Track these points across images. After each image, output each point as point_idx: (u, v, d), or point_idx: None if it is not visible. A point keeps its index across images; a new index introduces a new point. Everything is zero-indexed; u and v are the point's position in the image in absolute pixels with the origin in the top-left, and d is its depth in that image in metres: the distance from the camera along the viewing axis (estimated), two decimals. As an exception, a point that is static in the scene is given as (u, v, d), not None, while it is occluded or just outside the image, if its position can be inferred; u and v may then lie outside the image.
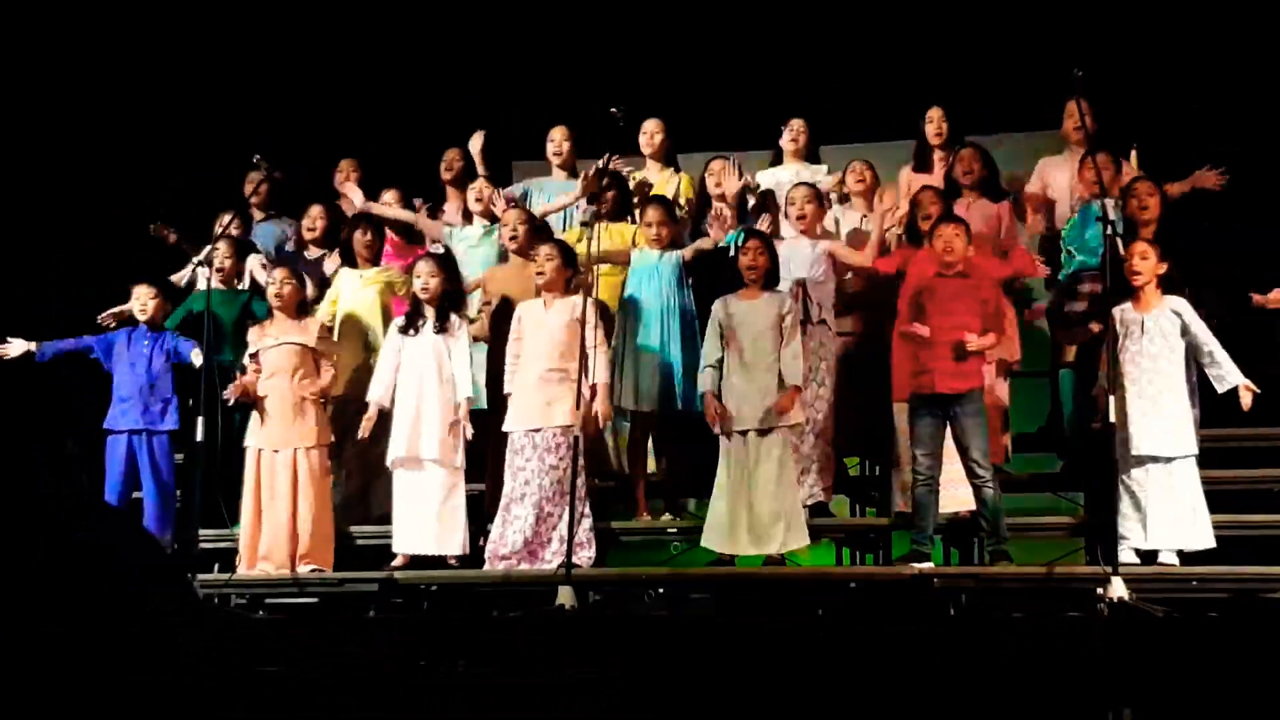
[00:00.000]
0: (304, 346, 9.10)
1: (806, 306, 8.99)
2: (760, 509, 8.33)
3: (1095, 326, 8.44)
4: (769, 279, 8.65)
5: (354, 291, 9.67)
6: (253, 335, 9.15)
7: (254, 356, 9.06)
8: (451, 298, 9.04)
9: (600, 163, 9.44)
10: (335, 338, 9.45)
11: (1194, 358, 8.33)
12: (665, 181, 10.00)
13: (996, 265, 8.70)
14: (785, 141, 10.08)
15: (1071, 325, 8.90)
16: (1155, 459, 8.13)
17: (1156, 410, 8.15)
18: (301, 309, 9.21)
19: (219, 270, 9.56)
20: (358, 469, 9.37)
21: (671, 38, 11.65)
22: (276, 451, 8.96)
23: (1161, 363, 8.23)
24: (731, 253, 8.75)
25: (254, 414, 9.03)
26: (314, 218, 10.30)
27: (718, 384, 8.51)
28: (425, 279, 8.98)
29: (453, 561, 8.81)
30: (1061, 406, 9.25)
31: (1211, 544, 8.06)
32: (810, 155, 10.07)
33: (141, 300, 9.42)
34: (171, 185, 11.20)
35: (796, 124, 10.04)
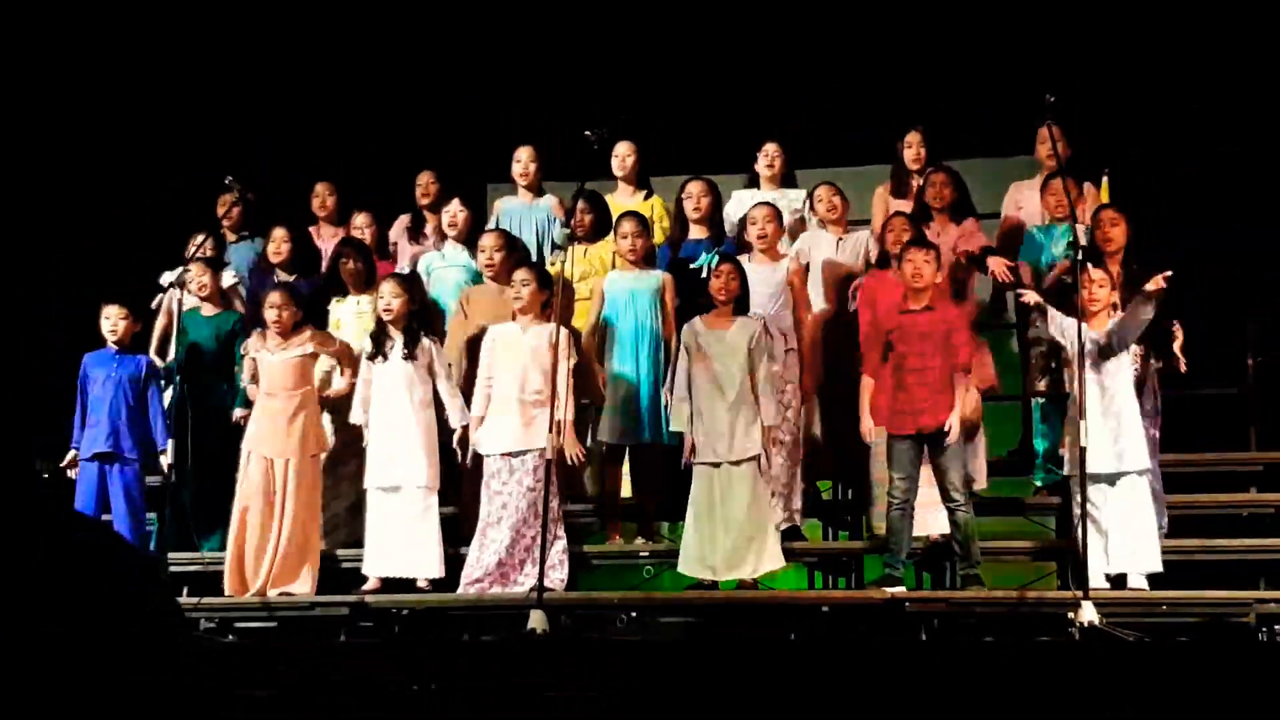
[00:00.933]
0: (302, 357, 9.11)
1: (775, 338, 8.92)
2: (733, 533, 8.33)
3: (1029, 297, 8.48)
4: (739, 305, 8.62)
5: (352, 320, 9.62)
6: (252, 344, 9.14)
7: (254, 378, 9.08)
8: (419, 318, 9.03)
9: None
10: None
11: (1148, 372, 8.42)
12: (637, 205, 9.93)
13: (957, 312, 8.61)
14: (760, 166, 10.02)
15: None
16: (1109, 477, 8.11)
17: (1110, 428, 8.14)
18: (297, 330, 9.17)
19: (200, 291, 9.57)
20: (347, 491, 9.35)
21: (645, 58, 11.67)
22: (270, 460, 8.93)
23: (1110, 380, 8.21)
24: (705, 274, 8.70)
25: (253, 419, 9.02)
26: (278, 241, 10.23)
27: (688, 418, 8.50)
28: (388, 299, 8.96)
29: (425, 585, 8.77)
30: (1034, 431, 9.30)
31: (1158, 568, 8.07)
32: (786, 180, 10.04)
33: (112, 321, 9.36)
34: (172, 185, 11.21)
35: (771, 149, 9.99)
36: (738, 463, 8.37)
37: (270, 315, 9.11)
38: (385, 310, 8.94)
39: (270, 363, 9.06)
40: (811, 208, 9.69)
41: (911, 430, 8.14)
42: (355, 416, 9.01)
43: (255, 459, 8.91)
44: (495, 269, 9.18)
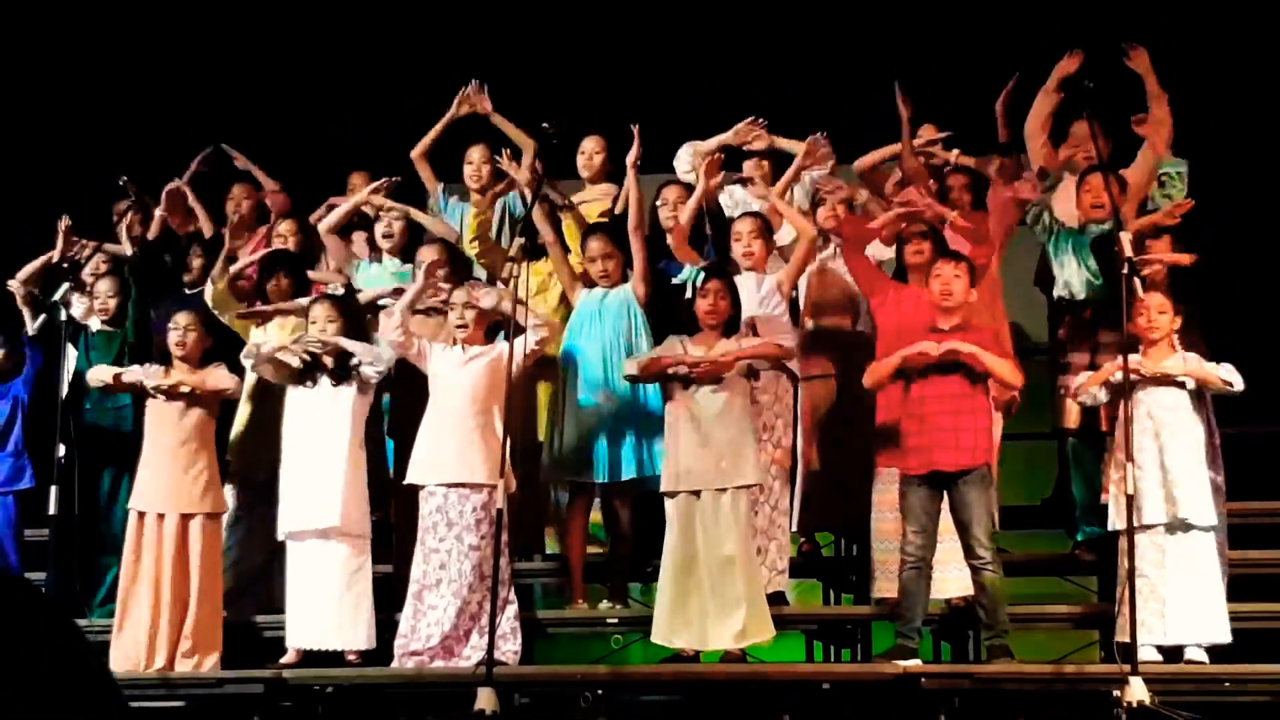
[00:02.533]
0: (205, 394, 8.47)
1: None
2: (716, 590, 7.85)
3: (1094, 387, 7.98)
4: (730, 326, 8.12)
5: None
6: (149, 373, 8.47)
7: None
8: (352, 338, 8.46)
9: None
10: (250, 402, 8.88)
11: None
12: (602, 198, 9.46)
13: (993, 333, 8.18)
14: (750, 166, 9.51)
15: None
16: (1169, 531, 7.72)
17: (1168, 475, 7.75)
18: (205, 359, 8.56)
19: (101, 310, 9.09)
20: (258, 545, 8.77)
21: (617, 42, 11.35)
22: (162, 516, 8.33)
23: (1170, 420, 7.80)
24: (688, 293, 8.29)
25: (139, 472, 8.43)
26: (286, 234, 9.58)
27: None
28: (322, 324, 8.38)
29: (353, 657, 8.20)
30: (1069, 476, 8.90)
31: (1225, 638, 7.67)
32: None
33: None
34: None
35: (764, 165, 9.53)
36: (721, 493, 7.87)
37: (173, 338, 8.47)
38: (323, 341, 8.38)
39: (163, 406, 8.41)
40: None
41: (927, 469, 7.71)
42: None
43: (148, 520, 8.35)
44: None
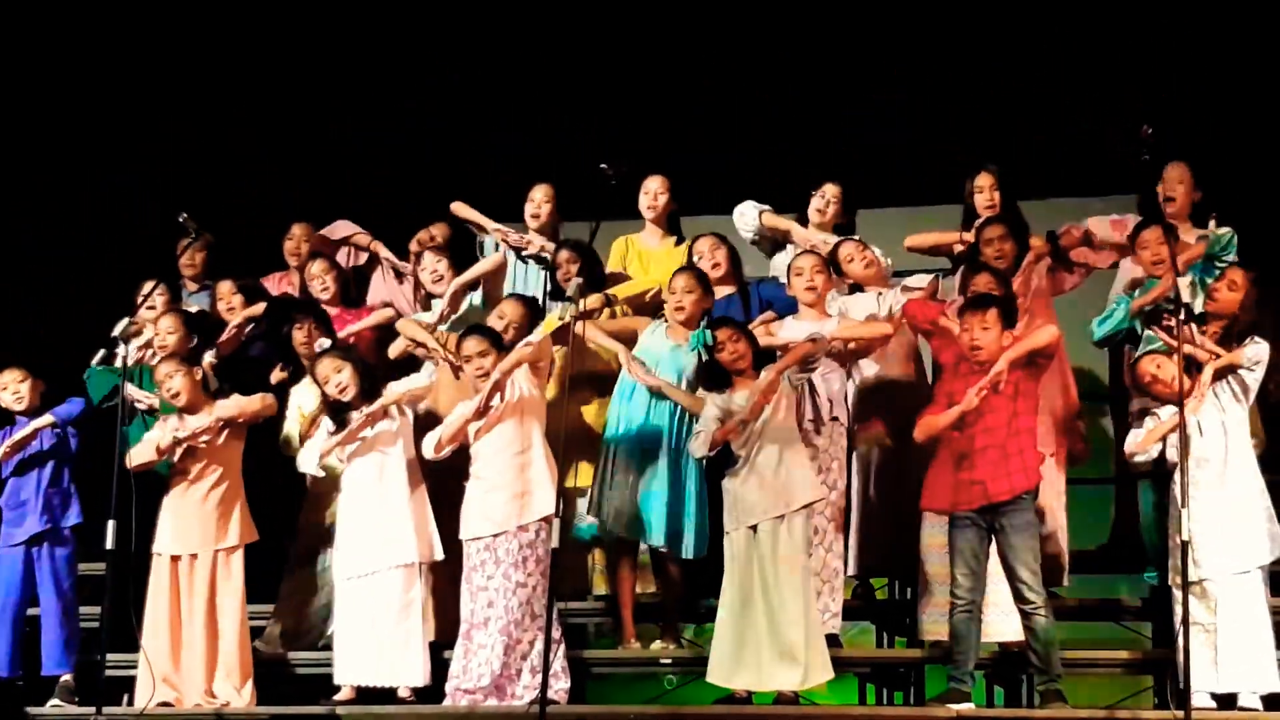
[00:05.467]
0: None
1: (815, 404, 8.52)
2: (780, 632, 7.81)
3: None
4: (760, 361, 8.11)
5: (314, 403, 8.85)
6: (167, 427, 8.50)
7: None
8: (373, 387, 8.38)
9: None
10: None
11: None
12: (666, 253, 9.38)
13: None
14: (814, 209, 9.42)
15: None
16: (1220, 575, 7.69)
17: (1219, 519, 7.72)
18: (208, 394, 8.58)
19: (162, 348, 8.95)
20: (299, 587, 8.85)
21: (673, 80, 11.29)
22: (195, 556, 8.40)
23: (1219, 462, 7.79)
24: (704, 357, 8.17)
25: (163, 515, 8.47)
26: (225, 295, 9.62)
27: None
28: (335, 379, 8.30)
29: (407, 694, 8.21)
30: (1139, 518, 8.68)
31: (1278, 686, 7.63)
32: (841, 228, 9.38)
33: (12, 389, 8.90)
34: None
35: (831, 190, 9.39)
36: (780, 522, 7.85)
37: (167, 391, 8.49)
38: (339, 391, 8.30)
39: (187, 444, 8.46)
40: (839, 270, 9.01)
41: (977, 504, 7.67)
42: (306, 465, 8.40)
43: (182, 563, 8.45)
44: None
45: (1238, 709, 7.55)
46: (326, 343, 8.58)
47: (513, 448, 8.13)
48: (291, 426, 8.83)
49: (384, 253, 9.91)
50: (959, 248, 9.03)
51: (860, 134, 10.83)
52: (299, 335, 8.97)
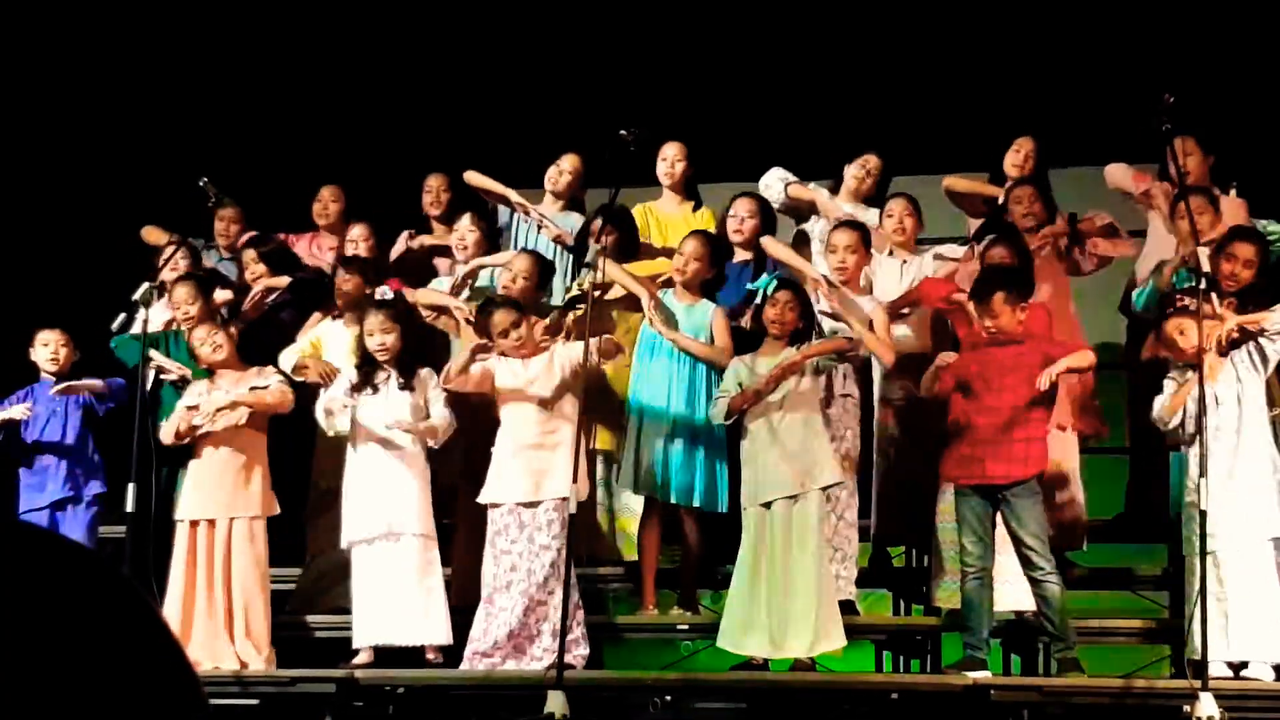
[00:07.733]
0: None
1: (831, 379, 8.51)
2: (790, 601, 7.86)
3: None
4: (796, 337, 8.12)
5: (340, 342, 8.90)
6: (197, 389, 8.57)
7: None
8: (410, 364, 8.45)
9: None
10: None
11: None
12: (684, 219, 9.37)
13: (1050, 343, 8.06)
14: (851, 176, 9.38)
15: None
16: (1230, 545, 7.61)
17: (1231, 488, 7.65)
18: (244, 359, 8.66)
19: (185, 319, 8.88)
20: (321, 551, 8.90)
21: (697, 41, 11.13)
22: (213, 523, 8.43)
23: (1231, 433, 7.75)
24: (759, 299, 8.21)
25: (185, 481, 8.51)
26: (249, 263, 9.71)
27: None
28: (380, 339, 8.33)
29: (433, 655, 8.24)
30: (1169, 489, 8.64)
31: None
32: (874, 199, 9.36)
33: (52, 348, 8.93)
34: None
35: (873, 162, 9.34)
36: (796, 500, 7.89)
37: (204, 352, 8.56)
38: (380, 350, 8.32)
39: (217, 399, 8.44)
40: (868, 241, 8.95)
41: (978, 479, 7.71)
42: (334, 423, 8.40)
43: (200, 529, 8.45)
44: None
45: (1250, 678, 7.52)
46: (390, 294, 8.62)
47: (544, 413, 8.19)
48: (296, 352, 8.84)
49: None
50: (1000, 198, 9.07)
51: (880, 100, 10.74)
52: (348, 284, 8.93)
